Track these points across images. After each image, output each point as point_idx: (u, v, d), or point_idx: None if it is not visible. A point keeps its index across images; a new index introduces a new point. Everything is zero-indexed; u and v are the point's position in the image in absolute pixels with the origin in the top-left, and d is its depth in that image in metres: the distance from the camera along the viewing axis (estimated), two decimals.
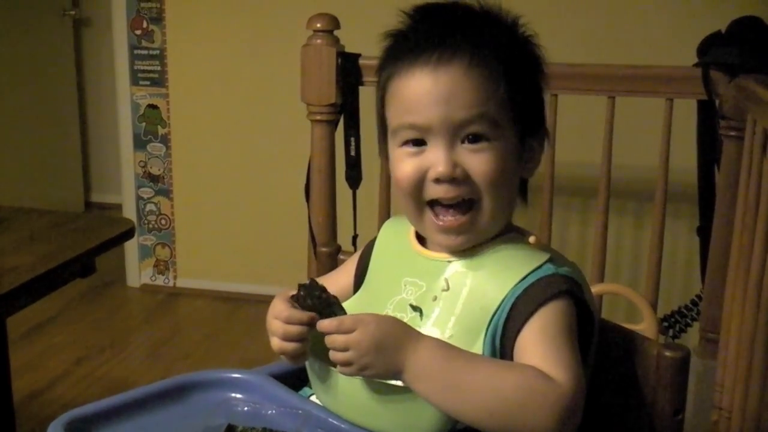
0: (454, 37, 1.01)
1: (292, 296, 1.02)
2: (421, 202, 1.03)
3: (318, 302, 1.00)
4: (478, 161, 1.00)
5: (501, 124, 1.00)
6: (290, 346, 1.02)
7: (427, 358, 0.94)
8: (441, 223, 1.02)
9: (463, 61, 0.99)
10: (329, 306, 1.00)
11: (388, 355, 0.94)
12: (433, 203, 1.03)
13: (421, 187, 1.02)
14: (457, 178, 1.00)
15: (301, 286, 1.02)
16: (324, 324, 0.97)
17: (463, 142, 1.00)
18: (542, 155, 1.08)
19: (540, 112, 1.08)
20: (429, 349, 0.95)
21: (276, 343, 1.03)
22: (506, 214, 1.06)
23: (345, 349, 0.95)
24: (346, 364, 0.95)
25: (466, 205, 1.02)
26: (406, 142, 1.03)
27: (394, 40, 1.06)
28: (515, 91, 1.01)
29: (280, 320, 1.02)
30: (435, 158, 1.00)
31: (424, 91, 1.00)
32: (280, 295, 1.05)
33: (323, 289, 1.01)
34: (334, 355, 0.96)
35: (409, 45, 1.03)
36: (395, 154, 1.04)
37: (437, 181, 1.00)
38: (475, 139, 1.00)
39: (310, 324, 1.00)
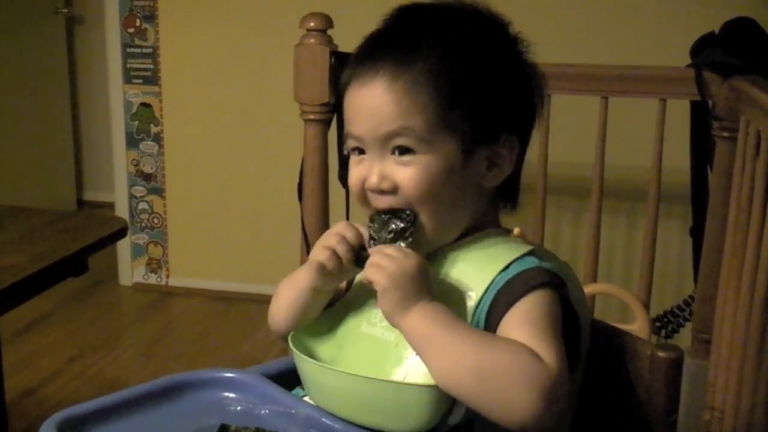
0: (384, 50, 1.02)
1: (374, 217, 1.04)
2: (372, 208, 1.05)
3: (396, 233, 1.02)
4: (405, 174, 1.01)
5: (431, 137, 1.00)
6: (334, 258, 1.04)
7: (432, 313, 0.96)
8: None
9: (386, 75, 1.00)
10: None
11: (409, 291, 0.96)
12: None
13: (365, 194, 1.05)
14: (386, 190, 1.02)
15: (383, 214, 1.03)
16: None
17: (393, 153, 1.01)
18: (511, 162, 1.05)
19: (500, 120, 1.04)
20: (436, 307, 0.96)
21: (317, 250, 1.05)
22: (460, 219, 1.05)
23: (390, 259, 0.97)
24: (377, 266, 0.97)
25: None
26: (353, 150, 1.06)
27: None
28: (456, 102, 1.00)
29: (344, 232, 1.05)
30: (368, 169, 1.03)
31: (356, 104, 1.03)
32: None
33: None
34: (378, 255, 0.99)
35: (356, 55, 1.06)
36: (350, 160, 1.07)
37: (371, 191, 1.03)
38: (402, 151, 1.01)
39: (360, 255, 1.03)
